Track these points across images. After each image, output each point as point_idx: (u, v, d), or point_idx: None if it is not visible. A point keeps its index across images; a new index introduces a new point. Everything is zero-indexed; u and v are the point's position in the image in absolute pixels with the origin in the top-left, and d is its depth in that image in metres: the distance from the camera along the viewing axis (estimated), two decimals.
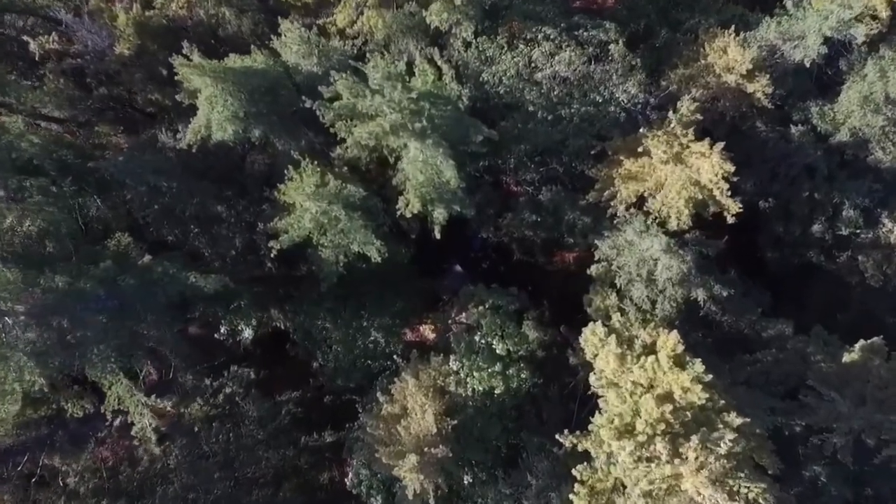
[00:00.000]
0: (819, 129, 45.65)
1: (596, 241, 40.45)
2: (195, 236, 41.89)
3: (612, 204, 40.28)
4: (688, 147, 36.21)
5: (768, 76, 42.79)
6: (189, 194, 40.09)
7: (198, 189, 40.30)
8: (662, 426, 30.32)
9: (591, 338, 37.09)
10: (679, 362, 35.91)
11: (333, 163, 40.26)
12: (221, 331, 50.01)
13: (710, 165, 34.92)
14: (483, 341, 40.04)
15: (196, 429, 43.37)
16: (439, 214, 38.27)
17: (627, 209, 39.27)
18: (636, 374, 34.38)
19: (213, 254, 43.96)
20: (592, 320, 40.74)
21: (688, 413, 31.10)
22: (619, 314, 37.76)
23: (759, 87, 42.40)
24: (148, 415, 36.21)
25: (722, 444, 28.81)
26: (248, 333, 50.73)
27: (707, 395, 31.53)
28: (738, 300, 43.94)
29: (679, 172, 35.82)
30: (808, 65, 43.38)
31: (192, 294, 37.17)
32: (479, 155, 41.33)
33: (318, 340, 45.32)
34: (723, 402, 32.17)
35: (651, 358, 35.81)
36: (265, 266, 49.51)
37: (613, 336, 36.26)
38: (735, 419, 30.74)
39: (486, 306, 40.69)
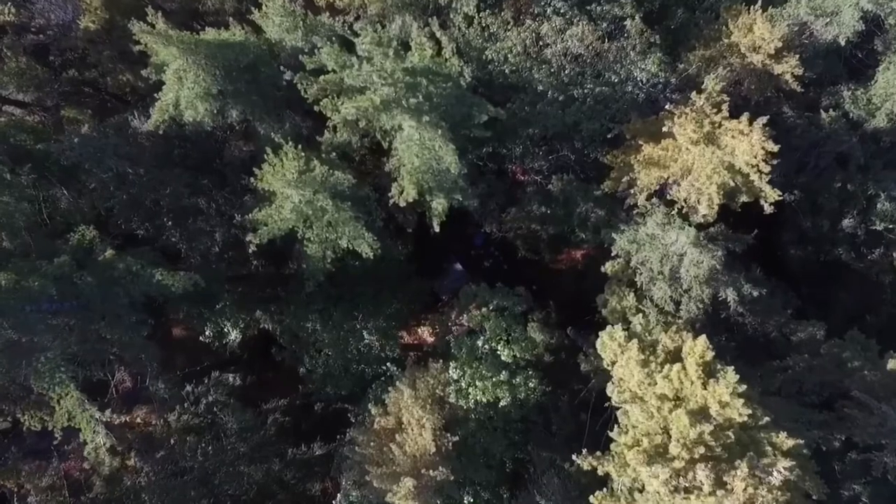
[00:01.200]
0: (851, 114, 39.95)
1: (613, 235, 34.77)
2: (169, 231, 36.12)
3: (630, 193, 34.54)
4: (720, 125, 30.49)
5: (798, 56, 37.10)
6: (160, 183, 34.39)
7: (170, 177, 34.59)
8: (701, 449, 24.59)
9: (609, 342, 31.44)
10: (709, 371, 30.31)
11: (321, 148, 34.56)
12: (206, 333, 44.10)
13: (748, 146, 29.24)
14: (486, 347, 34.35)
15: (172, 442, 37.65)
16: (438, 205, 32.61)
17: (648, 199, 33.54)
18: (660, 385, 28.68)
19: (191, 250, 38.22)
20: (608, 323, 35.09)
21: (729, 433, 25.34)
22: (640, 316, 31.97)
23: (788, 68, 36.69)
24: (102, 433, 30.40)
25: (775, 473, 23.03)
26: (234, 336, 44.91)
27: (749, 412, 25.81)
28: (766, 301, 38.22)
29: (710, 155, 30.16)
30: (843, 42, 37.77)
31: (159, 294, 31.40)
32: (482, 140, 35.67)
33: (305, 344, 39.62)
34: (766, 418, 26.45)
35: (677, 366, 30.21)
36: (250, 264, 43.89)
37: (635, 341, 30.60)
38: (785, 440, 25.07)
39: (490, 308, 35.01)
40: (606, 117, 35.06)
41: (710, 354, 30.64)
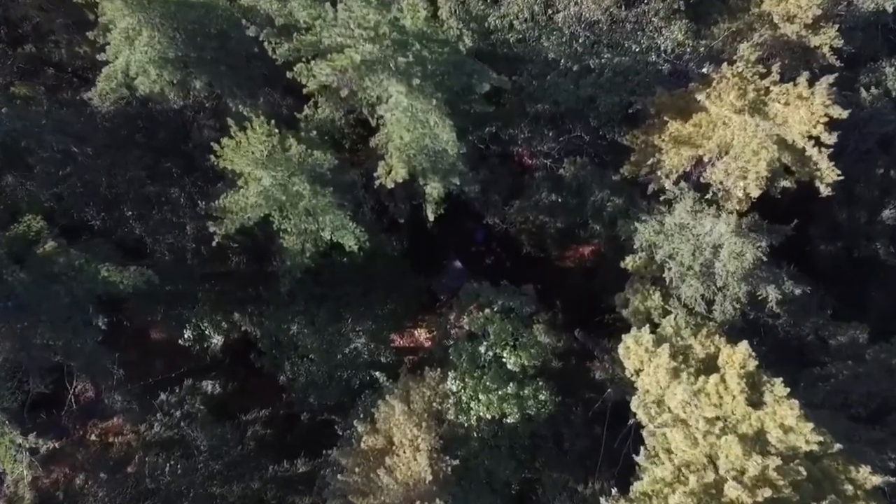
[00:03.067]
0: (894, 93, 33.64)
1: (636, 225, 28.39)
2: (130, 222, 29.74)
3: (654, 177, 28.21)
4: (768, 92, 24.18)
5: (836, 27, 30.81)
6: (114, 166, 28.11)
7: (126, 160, 28.23)
8: (767, 491, 18.22)
9: (634, 348, 25.19)
10: (752, 383, 24.05)
11: (300, 126, 28.28)
12: (185, 336, 37.73)
13: (805, 114, 22.87)
14: (490, 353, 28.02)
15: (137, 459, 31.29)
16: (433, 190, 26.35)
17: (676, 183, 27.17)
18: (702, 403, 22.39)
19: (157, 244, 31.91)
20: (630, 325, 28.77)
21: (799, 468, 18.96)
22: (672, 318, 25.60)
23: (827, 40, 30.38)
24: (26, 461, 23.93)
25: None
26: (216, 339, 38.55)
27: (820, 438, 19.45)
28: (801, 300, 31.84)
29: (756, 127, 23.79)
30: (891, 9, 31.54)
31: (105, 293, 25.07)
32: (484, 118, 29.38)
33: (286, 349, 33.20)
34: (838, 445, 20.11)
35: (714, 378, 23.92)
36: (230, 260, 37.54)
37: (666, 346, 24.29)
38: (868, 476, 18.70)
39: (494, 309, 28.64)
40: (626, 91, 28.73)
41: (752, 363, 24.42)
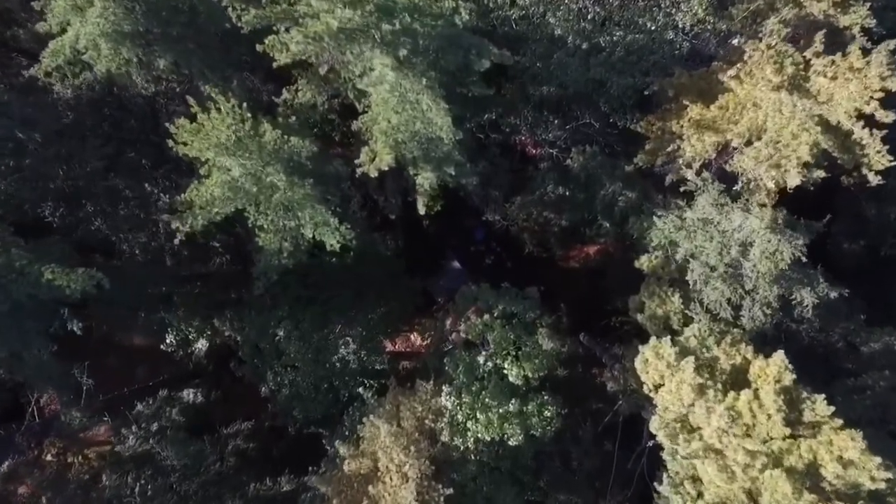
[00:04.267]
0: None
1: (652, 221, 24.37)
2: (93, 218, 25.85)
3: (672, 167, 24.23)
4: (809, 65, 20.17)
5: (868, 6, 26.77)
6: (69, 157, 24.16)
7: (89, 149, 24.32)
8: None
9: (655, 361, 21.20)
10: (790, 401, 20.15)
11: (277, 111, 24.38)
12: (167, 341, 33.87)
13: (857, 88, 18.89)
14: (489, 364, 24.00)
15: (104, 481, 27.36)
16: (425, 180, 22.36)
17: (698, 172, 23.16)
18: (721, 423, 18.45)
19: (125, 243, 28.03)
20: (647, 332, 24.84)
21: None
22: (696, 326, 21.59)
23: (857, 20, 26.25)
24: None
25: None
26: (201, 345, 34.71)
27: (889, 475, 15.44)
28: (833, 303, 27.82)
29: (793, 107, 19.76)
30: None
31: (50, 297, 21.09)
32: (483, 102, 25.41)
33: (268, 358, 29.19)
34: None
35: (745, 395, 19.98)
36: (212, 261, 33.67)
37: (690, 359, 20.30)
38: None
39: (495, 314, 24.62)
40: (641, 71, 24.74)
41: (789, 377, 20.50)
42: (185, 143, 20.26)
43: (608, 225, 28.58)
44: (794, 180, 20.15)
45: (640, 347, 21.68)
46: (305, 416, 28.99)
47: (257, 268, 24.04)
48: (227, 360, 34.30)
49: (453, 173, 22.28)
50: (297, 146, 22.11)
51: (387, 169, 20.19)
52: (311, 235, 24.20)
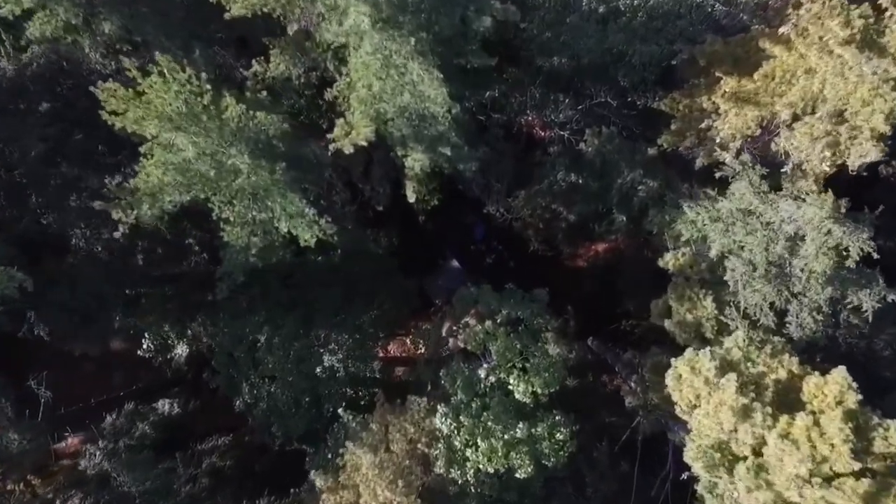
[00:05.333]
0: None
1: (684, 212, 20.19)
2: (39, 211, 21.68)
3: (703, 150, 20.02)
4: (882, 16, 15.96)
5: None
6: (12, 140, 19.96)
7: (26, 130, 20.14)
8: None
9: (690, 377, 16.95)
10: (859, 428, 16.02)
11: (245, 86, 20.24)
12: (144, 346, 29.81)
13: None
14: (492, 379, 19.76)
15: None
16: (416, 162, 18.21)
17: (737, 155, 18.93)
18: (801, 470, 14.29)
19: (85, 238, 23.88)
20: (678, 340, 20.66)
21: None
22: (740, 336, 17.34)
23: None
24: None
25: None
26: (181, 350, 30.60)
27: None
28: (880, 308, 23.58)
29: (867, 67, 15.49)
30: None
31: None
32: (485, 75, 21.22)
33: (244, 368, 24.97)
34: None
35: (801, 420, 15.84)
36: (188, 259, 29.47)
37: (732, 377, 16.10)
38: None
39: (498, 320, 20.36)
40: (666, 39, 20.52)
41: (852, 398, 16.35)
42: (116, 113, 16.00)
43: (624, 219, 24.39)
44: (872, 154, 15.92)
45: (671, 360, 17.48)
46: (285, 432, 24.78)
47: (221, 267, 19.82)
48: (206, 367, 30.20)
49: (449, 154, 18.06)
50: (264, 123, 17.96)
51: (365, 144, 16.00)
52: (286, 230, 20.08)
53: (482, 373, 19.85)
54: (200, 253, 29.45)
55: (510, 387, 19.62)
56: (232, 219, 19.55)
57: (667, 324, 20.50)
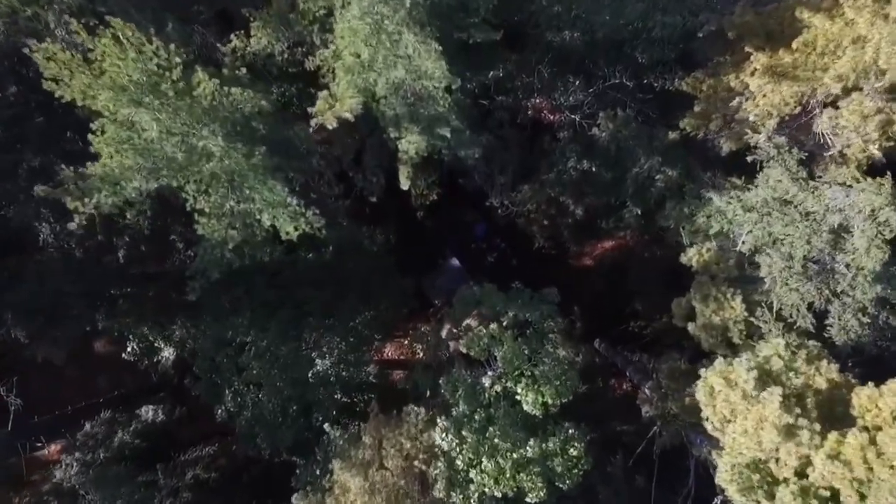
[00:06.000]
0: None
1: (712, 202, 17.71)
2: None
3: (731, 133, 17.54)
4: None
5: None
6: None
7: None
8: None
9: (726, 390, 14.42)
10: None
11: (222, 63, 17.75)
12: (129, 349, 27.38)
13: None
14: (497, 388, 17.24)
15: None
16: (410, 145, 15.76)
17: (770, 137, 16.44)
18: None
19: (55, 234, 21.41)
20: (706, 347, 18.17)
21: None
22: (781, 342, 14.81)
23: None
24: None
25: None
26: (168, 353, 28.16)
27: None
28: None
29: None
30: None
31: None
32: (489, 52, 18.71)
33: (227, 374, 22.43)
34: None
35: (854, 438, 13.36)
36: (173, 256, 27.00)
37: (776, 391, 13.59)
38: None
39: (504, 323, 17.83)
40: (689, 10, 18.03)
41: None
42: (57, 81, 13.43)
43: (639, 212, 21.89)
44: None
45: (701, 372, 14.97)
46: (271, 444, 22.23)
47: (193, 266, 17.30)
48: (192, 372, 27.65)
49: (448, 136, 15.56)
50: (241, 100, 15.47)
51: (351, 117, 13.52)
52: (269, 222, 17.60)
53: (486, 381, 17.35)
54: (185, 250, 26.96)
55: (518, 397, 17.11)
56: (207, 209, 17.07)
57: (690, 327, 17.99)
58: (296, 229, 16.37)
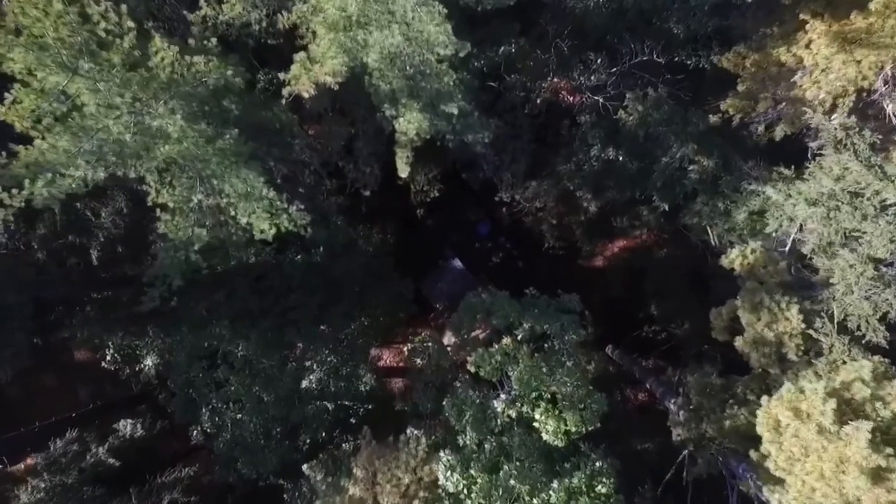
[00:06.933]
0: None
1: (759, 190, 14.56)
2: None
3: (785, 114, 14.45)
4: None
5: None
6: None
7: None
8: None
9: (796, 424, 11.31)
10: None
11: (191, 34, 14.60)
12: (108, 358, 24.39)
13: None
14: (511, 414, 14.14)
15: None
16: (409, 125, 12.50)
17: (848, 114, 13.37)
18: None
19: (8, 232, 18.32)
20: (756, 366, 15.12)
21: None
22: (867, 365, 11.73)
23: None
24: None
25: None
26: (150, 361, 25.10)
27: None
28: None
29: None
30: None
31: None
32: (499, 24, 15.61)
33: (203, 391, 19.33)
34: None
35: None
36: (142, 263, 23.85)
37: (865, 426, 10.45)
38: None
39: (519, 336, 14.73)
40: None
41: None
42: None
43: (665, 207, 18.73)
44: None
45: (762, 400, 11.93)
46: (253, 469, 19.11)
47: (154, 270, 14.17)
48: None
49: (455, 113, 12.47)
50: (205, 71, 12.38)
51: (333, 83, 10.41)
52: (244, 220, 14.51)
53: (498, 405, 14.27)
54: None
55: (537, 424, 14.03)
56: (171, 204, 13.99)
57: (738, 342, 14.88)
58: (276, 228, 13.29)
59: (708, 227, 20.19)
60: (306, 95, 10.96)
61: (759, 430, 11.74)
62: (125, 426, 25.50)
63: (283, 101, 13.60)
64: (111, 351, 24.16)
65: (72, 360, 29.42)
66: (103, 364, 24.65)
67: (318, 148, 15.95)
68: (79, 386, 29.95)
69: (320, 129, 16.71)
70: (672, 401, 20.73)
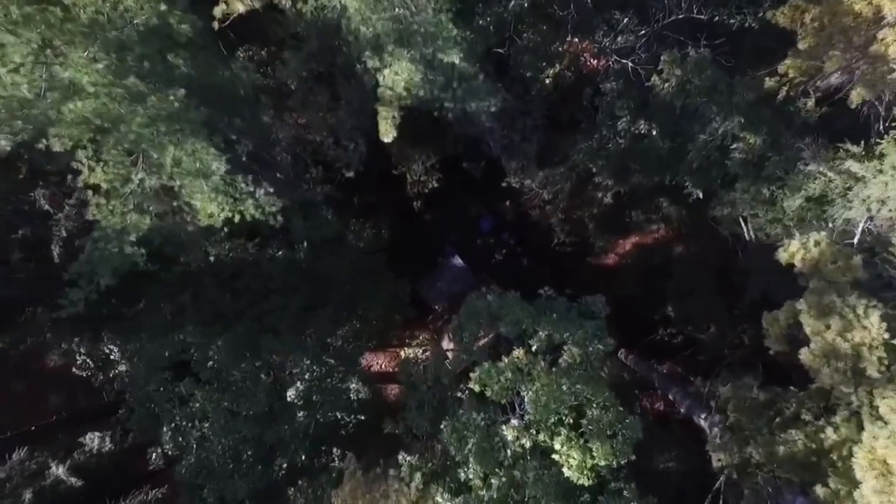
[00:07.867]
0: None
1: (814, 173, 11.49)
2: None
3: (863, 79, 11.33)
4: None
5: None
6: None
7: None
8: None
9: None
10: None
11: None
12: (79, 361, 21.46)
13: None
14: (525, 443, 11.02)
15: None
16: (397, 77, 9.38)
17: None
18: None
19: None
20: (826, 384, 11.95)
21: None
22: None
23: None
24: None
25: None
26: (124, 368, 21.93)
27: None
28: None
29: None
30: None
31: None
32: None
33: (165, 406, 16.22)
34: None
35: None
36: None
37: None
38: None
39: (535, 347, 11.63)
40: None
41: None
42: None
43: (699, 194, 15.59)
44: None
45: (862, 435, 8.93)
46: (219, 497, 16.00)
47: (77, 266, 11.07)
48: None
49: (456, 62, 9.40)
50: (135, 8, 9.32)
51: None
52: (197, 203, 11.44)
53: (508, 433, 11.18)
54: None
55: (556, 456, 10.96)
56: (104, 185, 10.93)
57: (804, 354, 11.76)
58: (240, 215, 10.27)
59: (741, 219, 17.20)
60: (241, 10, 7.93)
61: (859, 474, 8.68)
62: (92, 440, 22.41)
63: (241, 57, 10.61)
64: (82, 355, 21.17)
65: (43, 365, 26.49)
66: (74, 370, 21.73)
67: (292, 122, 12.91)
68: (51, 393, 27.05)
69: (298, 105, 13.64)
70: (702, 416, 17.70)
